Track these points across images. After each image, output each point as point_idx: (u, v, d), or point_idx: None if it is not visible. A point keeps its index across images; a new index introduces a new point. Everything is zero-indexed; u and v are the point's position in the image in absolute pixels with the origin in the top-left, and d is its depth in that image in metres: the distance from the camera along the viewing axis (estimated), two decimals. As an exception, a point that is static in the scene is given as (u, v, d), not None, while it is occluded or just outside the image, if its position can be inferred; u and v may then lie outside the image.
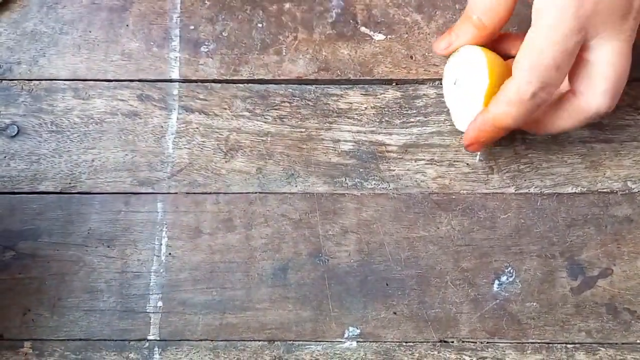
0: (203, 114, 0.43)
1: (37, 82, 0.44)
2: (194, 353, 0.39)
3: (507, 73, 0.36)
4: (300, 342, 0.39)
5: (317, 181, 0.42)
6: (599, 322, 0.39)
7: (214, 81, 0.43)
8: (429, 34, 0.44)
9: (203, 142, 0.42)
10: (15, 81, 0.44)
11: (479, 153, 0.42)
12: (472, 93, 0.38)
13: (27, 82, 0.44)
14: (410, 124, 0.42)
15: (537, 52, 0.33)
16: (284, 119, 0.43)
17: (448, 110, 0.42)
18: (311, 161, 0.42)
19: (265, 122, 0.43)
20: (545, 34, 0.33)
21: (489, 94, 0.36)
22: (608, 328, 0.39)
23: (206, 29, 0.44)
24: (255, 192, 0.42)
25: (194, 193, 0.42)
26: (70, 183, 0.42)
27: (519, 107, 0.34)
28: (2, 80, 0.44)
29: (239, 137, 0.43)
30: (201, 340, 0.40)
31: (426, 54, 0.43)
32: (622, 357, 0.39)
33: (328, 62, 0.43)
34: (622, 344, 0.39)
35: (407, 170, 0.42)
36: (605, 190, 0.41)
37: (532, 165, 0.41)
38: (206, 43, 0.44)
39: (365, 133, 0.42)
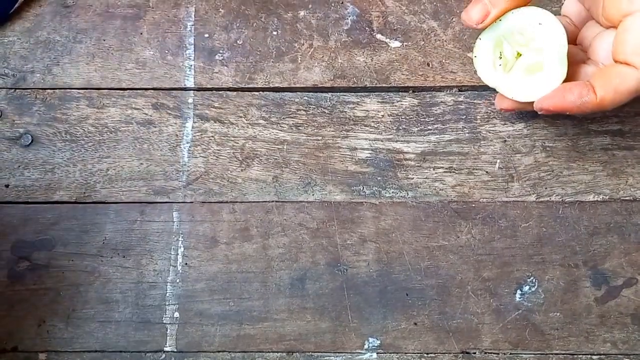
0: (218, 122, 0.43)
1: (50, 91, 0.43)
2: (211, 365, 0.39)
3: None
4: (320, 354, 0.39)
5: (334, 190, 0.41)
6: (625, 332, 0.38)
7: (229, 89, 0.43)
8: (445, 41, 0.43)
9: (218, 150, 0.42)
10: (29, 90, 0.43)
11: (498, 161, 0.41)
12: (544, 60, 0.36)
13: (41, 91, 0.43)
14: (428, 131, 0.42)
15: None
16: (300, 127, 0.42)
17: (466, 117, 0.41)
18: (328, 169, 0.42)
19: (281, 130, 0.42)
20: None
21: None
22: (634, 339, 0.38)
23: (221, 37, 0.44)
24: (272, 201, 0.41)
25: (210, 202, 0.41)
26: (84, 192, 0.42)
27: (633, 96, 0.34)
28: (15, 89, 0.43)
29: (255, 145, 0.42)
30: (218, 351, 0.39)
31: (443, 60, 0.43)
32: (647, 368, 0.38)
33: (344, 69, 0.43)
34: (648, 354, 0.38)
35: (426, 178, 0.41)
36: (627, 198, 0.40)
37: (553, 173, 0.41)
38: (221, 51, 0.44)
39: (382, 141, 0.42)
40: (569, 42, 0.37)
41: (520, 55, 0.37)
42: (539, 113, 0.36)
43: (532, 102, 0.37)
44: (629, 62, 0.33)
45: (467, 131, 0.42)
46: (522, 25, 0.36)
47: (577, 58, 0.38)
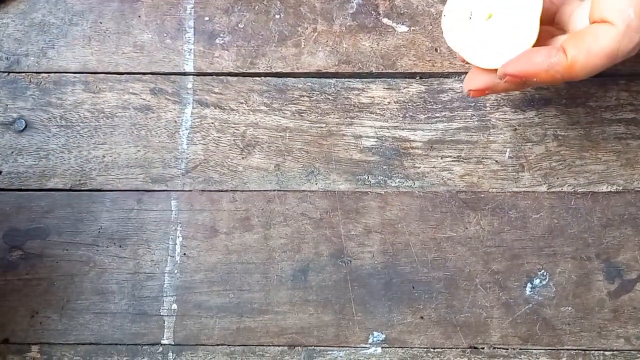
0: (218, 108, 0.41)
1: (45, 74, 0.42)
2: (210, 358, 0.38)
3: None
4: (322, 348, 0.37)
5: (338, 179, 0.40)
6: (639, 328, 0.37)
7: (229, 74, 0.42)
8: (454, 26, 0.42)
9: (219, 137, 0.41)
10: (23, 74, 0.42)
11: (508, 150, 0.40)
12: (515, 22, 0.32)
13: (35, 74, 0.42)
14: (436, 119, 0.41)
15: None
16: (303, 114, 0.41)
17: (475, 104, 0.40)
18: (332, 158, 0.40)
19: (283, 117, 0.41)
20: None
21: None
22: (648, 334, 0.37)
23: (221, 20, 0.42)
24: (274, 190, 0.40)
25: (210, 190, 0.40)
26: (80, 180, 0.40)
27: (610, 60, 0.29)
28: (9, 72, 0.42)
29: (256, 132, 0.41)
30: (217, 345, 0.38)
31: (452, 46, 0.41)
32: (661, 365, 0.37)
33: (349, 54, 0.42)
34: (662, 351, 0.37)
35: (433, 167, 0.40)
36: (642, 188, 0.39)
37: (565, 163, 0.39)
38: (221, 35, 0.42)
39: (388, 129, 0.41)
40: (547, 23, 0.34)
41: (491, 15, 0.34)
42: (503, 81, 0.32)
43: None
44: (604, 19, 0.29)
45: (476, 119, 0.40)
46: None
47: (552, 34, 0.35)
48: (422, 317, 0.38)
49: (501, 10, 0.34)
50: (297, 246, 0.39)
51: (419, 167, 0.40)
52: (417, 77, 0.41)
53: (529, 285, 0.38)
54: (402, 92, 0.41)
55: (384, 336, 0.38)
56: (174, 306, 0.38)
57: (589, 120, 0.40)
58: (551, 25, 0.35)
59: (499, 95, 0.41)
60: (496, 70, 0.32)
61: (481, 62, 0.34)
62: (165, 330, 0.38)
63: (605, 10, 0.29)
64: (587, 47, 0.29)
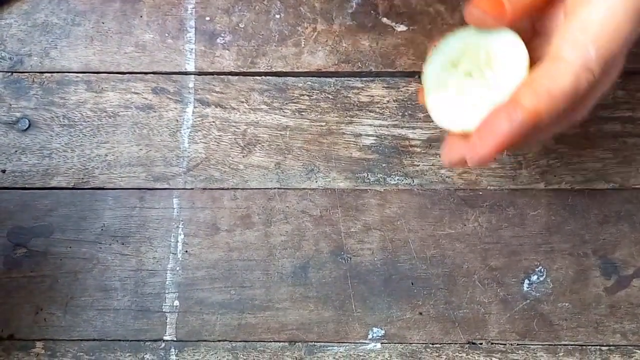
0: (219, 107, 0.42)
1: (48, 74, 0.42)
2: (211, 354, 0.38)
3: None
4: (322, 343, 0.38)
5: (338, 177, 0.40)
6: (635, 323, 0.37)
7: (230, 73, 0.42)
8: (452, 25, 0.42)
9: (220, 136, 0.41)
10: (26, 74, 0.42)
11: (506, 147, 0.40)
12: (493, 85, 0.30)
13: (38, 74, 0.42)
14: (435, 117, 0.41)
15: (609, 23, 0.26)
16: (303, 113, 0.41)
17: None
18: (332, 156, 0.41)
19: (283, 116, 0.41)
20: None
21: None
22: (644, 329, 0.38)
23: (222, 20, 0.43)
24: (274, 188, 0.40)
25: (211, 189, 0.40)
26: (83, 178, 0.41)
27: (571, 99, 0.27)
28: (12, 72, 0.42)
29: (257, 131, 0.41)
30: (219, 340, 0.38)
31: (450, 45, 0.42)
32: (657, 360, 0.37)
33: (348, 53, 0.42)
34: (658, 346, 0.37)
35: (432, 165, 0.40)
36: (638, 186, 0.39)
37: (562, 161, 0.40)
38: (222, 34, 0.43)
39: (387, 127, 0.41)
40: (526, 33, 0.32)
41: (470, 75, 0.31)
42: (473, 165, 0.29)
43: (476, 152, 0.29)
44: (559, 56, 0.27)
45: (475, 117, 0.41)
46: (491, 45, 0.30)
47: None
48: (421, 313, 0.38)
49: (481, 74, 0.31)
50: (298, 243, 0.39)
51: (418, 165, 0.40)
52: (416, 76, 0.42)
53: (526, 281, 0.38)
54: (401, 91, 0.42)
55: (383, 332, 0.38)
56: (176, 303, 0.39)
57: (586, 119, 0.40)
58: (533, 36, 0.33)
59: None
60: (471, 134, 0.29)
61: (441, 122, 0.31)
62: (168, 326, 0.38)
63: (562, 46, 0.27)
64: (546, 92, 0.27)
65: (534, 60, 0.29)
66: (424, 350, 0.38)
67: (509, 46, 0.30)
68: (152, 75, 0.42)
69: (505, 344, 0.38)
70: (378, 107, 0.41)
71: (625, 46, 0.27)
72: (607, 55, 0.27)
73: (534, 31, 0.33)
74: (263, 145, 0.41)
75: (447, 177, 0.40)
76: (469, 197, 0.40)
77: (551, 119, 0.27)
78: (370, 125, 0.41)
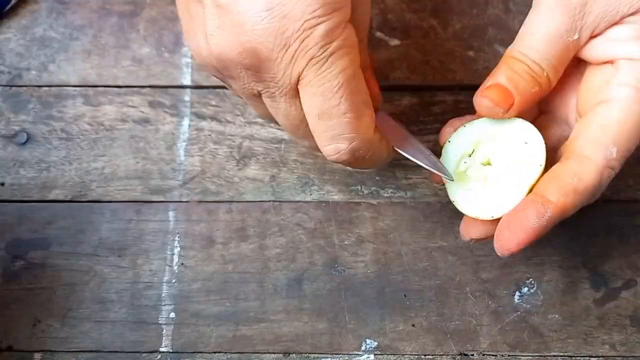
0: (215, 120, 0.42)
1: (46, 88, 0.43)
2: (207, 366, 0.39)
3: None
4: (316, 355, 0.38)
5: (332, 189, 0.41)
6: (623, 334, 0.38)
7: (226, 87, 0.43)
8: (445, 39, 0.43)
9: (215, 149, 0.42)
10: (25, 87, 0.43)
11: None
12: (511, 177, 0.31)
13: (36, 88, 0.43)
14: (428, 130, 0.42)
15: (627, 122, 0.28)
16: (298, 126, 0.42)
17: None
18: (326, 169, 0.41)
19: (278, 129, 0.42)
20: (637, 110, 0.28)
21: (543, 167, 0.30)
22: (633, 341, 0.38)
23: (218, 34, 0.43)
24: (269, 201, 0.41)
25: (207, 201, 0.41)
26: (80, 191, 0.41)
27: (592, 196, 0.29)
28: (11, 86, 0.43)
29: (252, 144, 0.42)
30: (214, 352, 0.39)
31: (443, 59, 0.42)
32: (646, 371, 0.38)
33: (343, 67, 0.42)
34: (647, 357, 0.38)
35: (425, 178, 0.41)
36: (627, 199, 0.40)
37: (553, 173, 0.40)
38: (218, 48, 0.43)
39: (381, 140, 0.41)
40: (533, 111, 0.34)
41: (490, 164, 0.32)
42: (506, 256, 0.30)
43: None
44: (581, 155, 0.29)
45: (467, 131, 0.41)
46: (508, 134, 0.32)
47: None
48: (413, 325, 0.39)
49: (499, 163, 0.32)
50: (292, 256, 0.40)
51: (411, 178, 0.41)
52: (410, 90, 0.42)
53: (517, 293, 0.39)
54: (395, 104, 0.42)
55: (376, 343, 0.39)
56: (172, 315, 0.39)
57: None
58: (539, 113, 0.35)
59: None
60: (494, 220, 0.31)
61: (466, 209, 0.32)
62: (164, 338, 0.39)
63: (587, 146, 0.29)
64: (573, 189, 0.28)
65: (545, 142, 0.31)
66: (416, 362, 0.38)
67: (524, 134, 0.31)
68: (148, 88, 0.43)
69: (496, 355, 0.38)
70: (372, 121, 0.42)
71: None
72: (627, 152, 0.29)
73: (539, 111, 0.35)
74: (258, 159, 0.42)
75: (439, 189, 0.41)
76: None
77: (574, 211, 0.29)
78: (364, 138, 0.42)
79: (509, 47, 0.31)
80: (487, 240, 0.32)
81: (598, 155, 0.29)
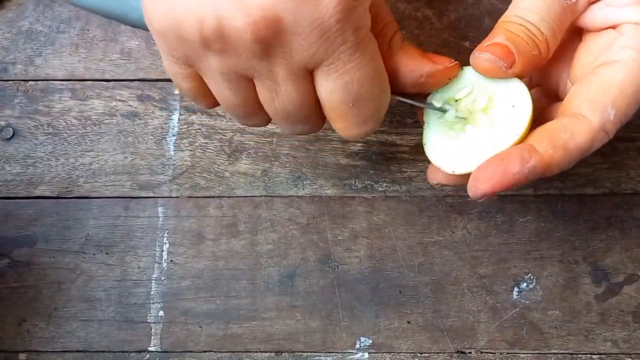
0: (205, 114, 0.41)
1: (33, 82, 0.42)
2: (197, 365, 0.38)
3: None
4: (309, 353, 0.37)
5: (325, 184, 0.40)
6: (626, 331, 0.37)
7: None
8: (440, 30, 0.42)
9: (205, 143, 0.41)
10: (11, 82, 0.42)
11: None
12: (497, 130, 0.30)
13: (22, 82, 0.42)
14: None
15: (629, 86, 0.27)
16: (290, 119, 0.41)
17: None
18: (319, 163, 0.40)
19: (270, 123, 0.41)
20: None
21: (524, 134, 0.29)
22: (635, 337, 0.37)
23: (208, 26, 0.43)
24: (261, 196, 0.40)
25: (197, 197, 0.40)
26: (67, 187, 0.40)
27: (582, 155, 0.28)
28: (-3, 80, 0.42)
29: (243, 138, 0.41)
30: (204, 351, 0.38)
31: (438, 50, 0.41)
32: (649, 368, 0.37)
33: (336, 59, 0.42)
34: (650, 354, 0.37)
35: (420, 171, 0.40)
36: (629, 191, 0.39)
37: (552, 166, 0.39)
38: (209, 41, 0.42)
39: (375, 133, 0.40)
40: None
41: (471, 117, 0.31)
42: (479, 201, 0.30)
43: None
44: (579, 113, 0.28)
45: (463, 123, 0.40)
46: (498, 92, 0.30)
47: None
48: (409, 322, 0.38)
49: (480, 119, 0.30)
50: (284, 252, 0.39)
51: (406, 172, 0.40)
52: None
53: (516, 289, 0.38)
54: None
55: (370, 341, 0.37)
56: (161, 313, 0.38)
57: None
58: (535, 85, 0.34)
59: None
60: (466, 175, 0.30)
61: (442, 164, 0.31)
62: (152, 337, 0.38)
63: (584, 105, 0.28)
64: (563, 144, 0.27)
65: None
66: (412, 360, 0.37)
67: (514, 95, 0.30)
68: (137, 82, 0.42)
69: (494, 353, 0.37)
70: (365, 113, 0.41)
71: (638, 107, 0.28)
72: (624, 117, 0.28)
73: (530, 84, 0.34)
74: (249, 153, 0.41)
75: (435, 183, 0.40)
76: (457, 204, 0.39)
77: (559, 170, 0.28)
78: (358, 131, 0.41)
79: (503, 15, 0.30)
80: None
81: (595, 115, 0.27)
